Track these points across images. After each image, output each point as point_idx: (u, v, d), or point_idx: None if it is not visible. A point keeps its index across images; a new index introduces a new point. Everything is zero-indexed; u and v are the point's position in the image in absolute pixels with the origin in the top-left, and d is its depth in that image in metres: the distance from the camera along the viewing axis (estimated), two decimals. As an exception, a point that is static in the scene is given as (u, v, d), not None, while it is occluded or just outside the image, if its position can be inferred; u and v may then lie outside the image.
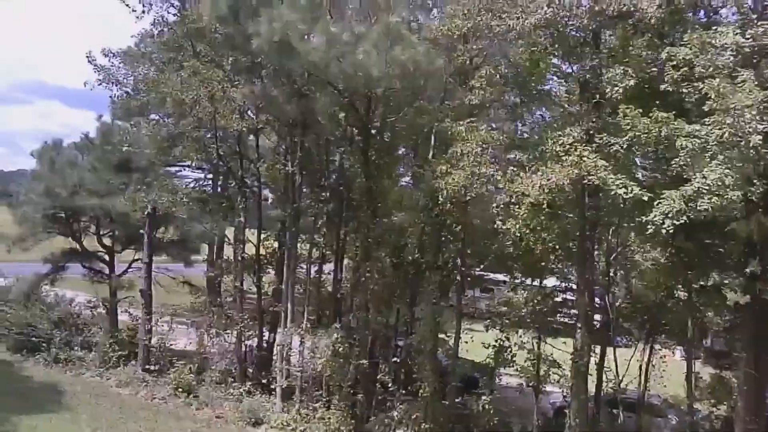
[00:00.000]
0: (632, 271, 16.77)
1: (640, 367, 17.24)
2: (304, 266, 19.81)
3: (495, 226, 14.29)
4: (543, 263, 15.40)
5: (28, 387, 18.59)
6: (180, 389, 18.53)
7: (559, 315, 16.74)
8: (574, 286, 16.83)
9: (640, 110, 11.22)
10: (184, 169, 30.62)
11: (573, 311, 16.28)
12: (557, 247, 15.02)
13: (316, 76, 15.40)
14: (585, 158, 12.11)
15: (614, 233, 16.36)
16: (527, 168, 13.34)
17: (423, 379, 15.80)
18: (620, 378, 16.52)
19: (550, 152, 12.84)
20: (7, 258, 29.88)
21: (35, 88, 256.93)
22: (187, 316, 21.91)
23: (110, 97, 26.18)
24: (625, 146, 11.69)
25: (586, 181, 12.21)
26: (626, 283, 16.89)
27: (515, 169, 13.32)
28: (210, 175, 26.36)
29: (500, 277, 19.95)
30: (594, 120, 12.87)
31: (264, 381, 18.97)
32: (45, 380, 19.21)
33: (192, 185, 25.71)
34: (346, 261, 19.43)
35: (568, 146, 12.36)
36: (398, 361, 17.45)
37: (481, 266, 16.84)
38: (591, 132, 12.73)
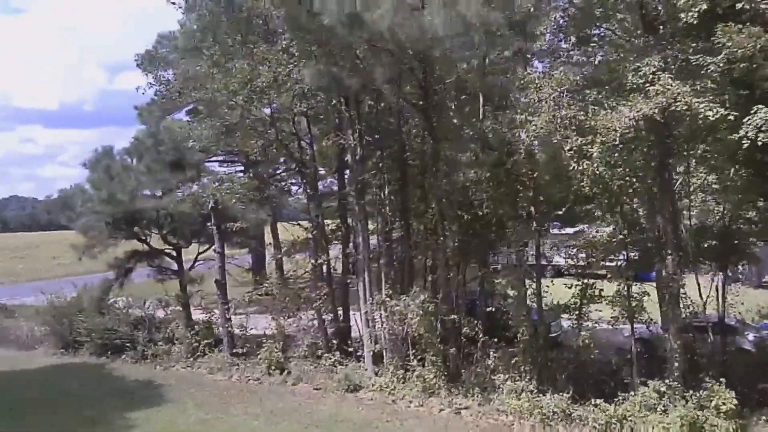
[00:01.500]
0: (703, 195, 17.16)
1: (717, 291, 17.73)
2: (375, 237, 20.25)
3: (570, 168, 14.74)
4: (621, 198, 15.80)
5: (125, 385, 19.21)
6: (272, 368, 19.10)
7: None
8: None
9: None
10: (227, 164, 31.81)
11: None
12: (634, 180, 15.47)
13: (376, 46, 15.70)
14: (669, 86, 12.52)
15: (682, 160, 16.70)
16: (605, 105, 13.78)
17: (518, 324, 16.34)
18: (704, 302, 17.02)
19: (630, 85, 13.24)
20: (73, 272, 30.75)
21: (12, 115, 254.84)
22: (259, 302, 22.39)
23: (135, 106, 26.90)
24: (720, 66, 12.04)
25: (673, 108, 12.58)
26: (696, 210, 17.27)
27: (595, 107, 13.70)
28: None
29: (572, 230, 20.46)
30: (669, 48, 13.25)
31: (350, 350, 19.64)
32: (139, 377, 19.83)
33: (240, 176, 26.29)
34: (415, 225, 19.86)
35: (651, 76, 12.74)
36: (493, 310, 17.94)
37: (560, 211, 17.17)
38: (668, 60, 13.11)
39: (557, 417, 14.74)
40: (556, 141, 13.91)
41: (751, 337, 18.77)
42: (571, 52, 16.76)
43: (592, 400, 14.69)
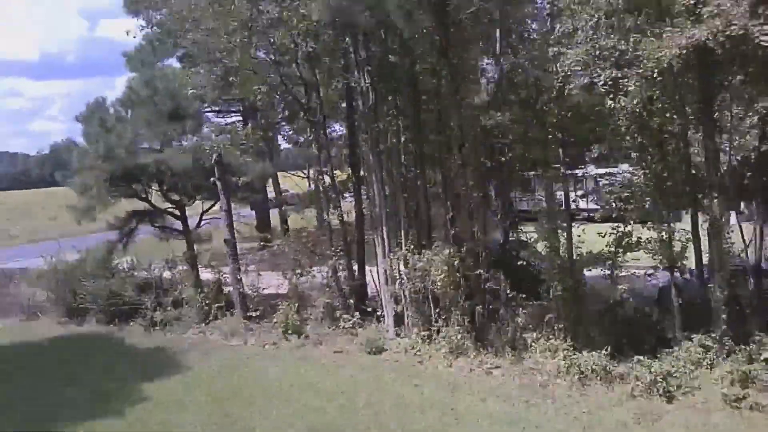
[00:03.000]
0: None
1: (755, 232, 16.55)
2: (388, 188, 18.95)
3: (605, 105, 13.49)
4: (661, 136, 14.44)
5: (138, 355, 18.26)
6: (289, 331, 18.10)
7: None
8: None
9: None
10: (224, 115, 30.38)
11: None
12: (674, 116, 14.13)
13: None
14: (724, 7, 10.99)
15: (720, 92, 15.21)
16: (648, 33, 12.28)
17: (550, 278, 15.23)
18: (746, 245, 15.84)
19: (678, 8, 11.73)
20: (72, 232, 29.67)
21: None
22: (269, 259, 21.35)
23: (123, 53, 25.35)
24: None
25: (728, 33, 11.06)
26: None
27: (637, 35, 12.18)
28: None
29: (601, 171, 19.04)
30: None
31: (368, 309, 18.68)
32: (150, 345, 18.91)
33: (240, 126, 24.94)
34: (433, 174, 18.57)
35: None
36: (524, 263, 16.83)
37: (592, 152, 15.80)
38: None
39: (596, 375, 13.76)
40: (595, 74, 12.43)
41: None
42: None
43: (633, 357, 13.70)
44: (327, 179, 19.66)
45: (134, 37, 19.48)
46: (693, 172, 14.82)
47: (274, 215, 31.89)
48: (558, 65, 12.78)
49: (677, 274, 15.86)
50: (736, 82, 14.76)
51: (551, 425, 12.02)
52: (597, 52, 12.30)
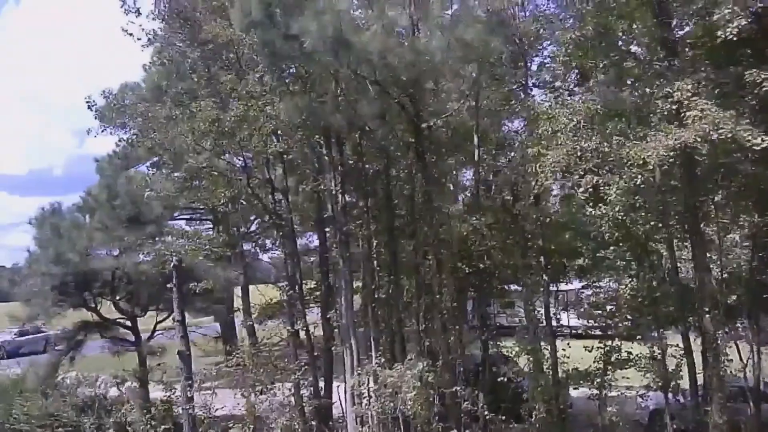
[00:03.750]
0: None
1: (752, 351, 15.60)
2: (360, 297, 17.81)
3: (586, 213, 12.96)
4: (648, 246, 13.79)
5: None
6: (240, 459, 16.20)
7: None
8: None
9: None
10: (195, 222, 29.46)
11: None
12: (660, 225, 13.56)
13: (363, 77, 13.78)
14: (707, 111, 10.66)
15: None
16: (631, 136, 11.89)
17: (534, 398, 13.90)
18: (745, 364, 14.81)
19: (661, 112, 11.43)
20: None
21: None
22: (228, 375, 19.54)
23: (94, 158, 24.68)
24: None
25: (715, 136, 10.66)
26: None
27: (620, 138, 11.77)
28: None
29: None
30: (702, 70, 11.50)
31: (332, 432, 16.96)
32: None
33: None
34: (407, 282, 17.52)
35: (686, 100, 10.87)
36: (503, 380, 15.46)
37: (577, 261, 15.06)
38: (701, 84, 11.29)
39: None
40: (577, 178, 11.86)
41: None
42: (575, 87, 15.03)
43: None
44: (295, 288, 18.49)
45: (95, 136, 18.87)
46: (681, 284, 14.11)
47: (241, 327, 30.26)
48: (537, 166, 12.22)
49: (670, 395, 14.77)
50: (720, 198, 14.49)
51: None
52: (578, 154, 11.77)
